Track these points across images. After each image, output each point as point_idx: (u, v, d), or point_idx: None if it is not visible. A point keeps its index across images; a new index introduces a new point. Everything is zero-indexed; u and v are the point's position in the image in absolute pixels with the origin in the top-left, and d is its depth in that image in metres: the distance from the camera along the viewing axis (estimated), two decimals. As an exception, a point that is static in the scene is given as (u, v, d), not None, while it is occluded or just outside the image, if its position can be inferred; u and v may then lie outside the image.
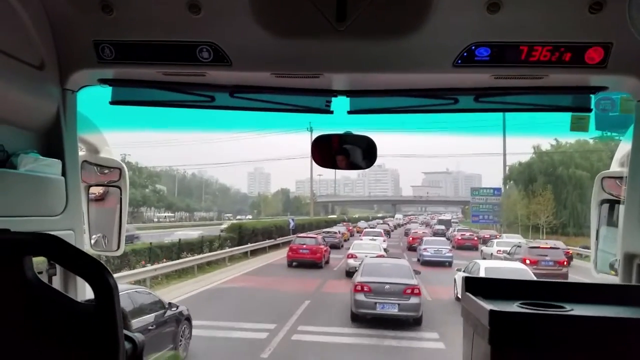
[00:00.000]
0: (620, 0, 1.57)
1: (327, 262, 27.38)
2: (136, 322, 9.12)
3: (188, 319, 11.69)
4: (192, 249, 24.90)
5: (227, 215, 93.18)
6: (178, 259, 22.72)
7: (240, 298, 18.21)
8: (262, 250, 33.58)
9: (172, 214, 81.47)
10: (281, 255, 33.09)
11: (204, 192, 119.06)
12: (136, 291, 10.61)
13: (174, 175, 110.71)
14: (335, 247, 33.62)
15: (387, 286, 14.25)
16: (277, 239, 36.99)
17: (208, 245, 26.84)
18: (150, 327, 9.89)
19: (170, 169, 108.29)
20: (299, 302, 17.47)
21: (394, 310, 14.12)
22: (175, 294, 18.10)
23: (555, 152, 57.76)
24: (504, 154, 64.64)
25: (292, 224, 41.75)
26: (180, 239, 24.97)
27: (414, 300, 14.15)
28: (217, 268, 25.53)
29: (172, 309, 11.15)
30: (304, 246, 26.56)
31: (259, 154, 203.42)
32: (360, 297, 14.23)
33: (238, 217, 79.99)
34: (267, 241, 34.91)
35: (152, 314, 10.29)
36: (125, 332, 1.40)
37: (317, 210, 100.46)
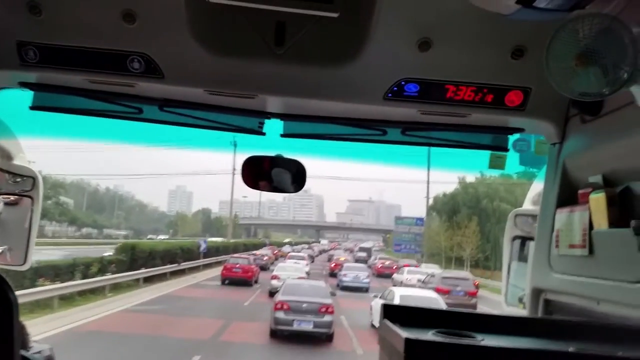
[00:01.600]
0: (540, 48, 1.66)
1: (256, 282, 29.55)
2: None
3: None
4: (58, 274, 18.61)
5: (121, 233, 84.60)
6: (32, 287, 16.31)
7: (100, 349, 12.36)
8: (161, 277, 27.39)
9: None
10: (185, 282, 27.25)
11: (117, 207, 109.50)
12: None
13: (85, 187, 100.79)
14: (263, 268, 35.01)
15: (304, 305, 15.22)
16: (182, 263, 30.73)
17: (82, 270, 20.39)
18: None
19: (82, 181, 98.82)
20: (183, 358, 11.96)
21: (309, 327, 15.08)
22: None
23: (480, 184, 56.91)
24: (428, 183, 62.98)
25: (203, 246, 36.25)
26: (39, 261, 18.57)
27: (327, 318, 15.31)
28: (91, 300, 19.52)
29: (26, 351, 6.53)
30: (237, 265, 29.16)
31: (181, 168, 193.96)
32: (280, 314, 15.07)
33: (149, 236, 72.25)
34: (168, 266, 28.68)
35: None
36: (23, 353, 1.34)
37: (238, 233, 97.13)
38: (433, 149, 2.63)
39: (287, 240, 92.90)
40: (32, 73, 2.01)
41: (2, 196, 2.61)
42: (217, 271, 35.74)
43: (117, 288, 22.70)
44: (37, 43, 1.92)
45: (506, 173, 50.55)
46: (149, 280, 26.06)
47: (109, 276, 21.83)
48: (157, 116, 2.25)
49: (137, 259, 25.59)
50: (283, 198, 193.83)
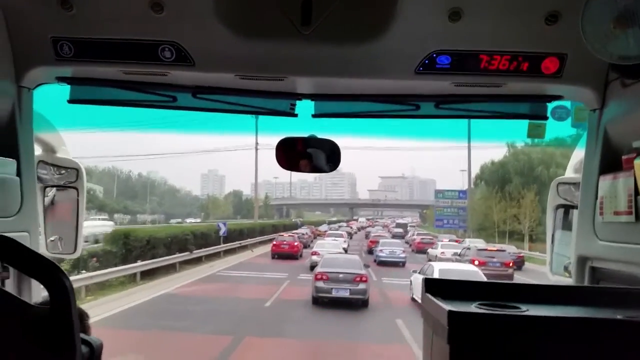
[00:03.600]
0: (575, 13, 1.66)
1: (301, 256, 32.92)
2: None
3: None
4: None
5: (150, 218, 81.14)
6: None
7: None
8: (168, 269, 21.88)
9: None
10: (198, 274, 21.91)
11: (149, 193, 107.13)
12: None
13: (115, 174, 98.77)
14: (305, 246, 37.13)
15: (341, 275, 17.11)
16: (195, 251, 25.22)
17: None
18: None
19: (113, 169, 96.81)
20: None
21: (346, 294, 16.88)
22: None
23: (532, 150, 49.62)
24: (469, 152, 55.60)
25: (222, 229, 31.57)
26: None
27: (362, 286, 17.14)
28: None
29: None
30: (285, 242, 33.67)
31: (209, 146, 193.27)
32: (320, 284, 17.14)
33: (177, 220, 68.22)
34: (176, 255, 23.22)
35: None
36: (82, 335, 1.38)
37: (271, 213, 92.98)
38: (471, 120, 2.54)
39: (300, 220, 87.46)
40: (68, 67, 2.06)
41: (48, 188, 2.66)
42: (240, 257, 31.08)
43: (103, 288, 17.58)
44: (71, 38, 1.97)
45: (560, 137, 43.04)
46: (150, 274, 20.70)
47: (83, 275, 16.49)
48: (190, 103, 2.27)
49: (131, 250, 20.36)
50: (314, 178, 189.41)
